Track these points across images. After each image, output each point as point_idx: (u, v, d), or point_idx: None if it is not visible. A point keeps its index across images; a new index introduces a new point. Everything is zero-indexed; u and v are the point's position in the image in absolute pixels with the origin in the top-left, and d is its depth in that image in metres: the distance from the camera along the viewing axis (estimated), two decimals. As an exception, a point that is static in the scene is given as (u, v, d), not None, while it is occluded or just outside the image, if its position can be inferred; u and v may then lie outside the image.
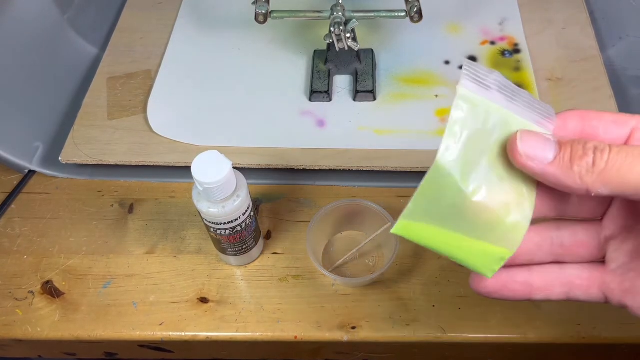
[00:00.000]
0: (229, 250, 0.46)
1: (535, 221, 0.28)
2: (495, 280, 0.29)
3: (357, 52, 0.57)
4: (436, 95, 0.57)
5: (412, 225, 0.28)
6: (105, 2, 0.70)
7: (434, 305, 0.46)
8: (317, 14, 0.54)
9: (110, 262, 0.49)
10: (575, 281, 0.29)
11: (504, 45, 0.61)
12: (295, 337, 0.45)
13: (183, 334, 0.46)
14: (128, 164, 0.53)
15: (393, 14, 0.53)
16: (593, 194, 0.25)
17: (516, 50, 0.60)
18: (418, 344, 0.45)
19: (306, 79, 0.59)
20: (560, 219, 0.30)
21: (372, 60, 0.59)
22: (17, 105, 0.55)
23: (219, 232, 0.43)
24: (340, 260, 0.48)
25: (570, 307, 0.45)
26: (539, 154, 0.25)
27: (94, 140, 0.55)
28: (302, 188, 0.53)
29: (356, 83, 0.57)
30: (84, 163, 0.54)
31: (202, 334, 0.45)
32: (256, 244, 0.47)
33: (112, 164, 0.54)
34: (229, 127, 0.55)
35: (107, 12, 0.69)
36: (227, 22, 0.65)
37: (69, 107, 0.60)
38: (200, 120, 0.56)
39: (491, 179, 0.27)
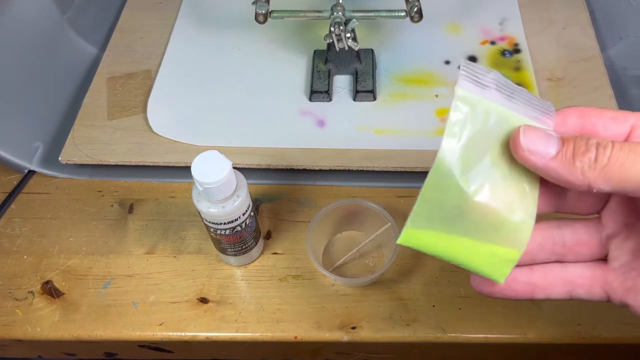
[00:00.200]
0: (229, 250, 0.46)
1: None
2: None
3: (357, 52, 0.57)
4: (436, 95, 0.57)
5: (417, 234, 0.28)
6: (105, 2, 0.70)
7: (434, 305, 0.46)
8: (317, 14, 0.54)
9: (110, 262, 0.49)
10: (577, 280, 0.29)
11: (504, 45, 0.61)
12: (295, 337, 0.45)
13: (183, 334, 0.46)
14: (128, 164, 0.53)
15: (393, 14, 0.53)
16: (594, 190, 0.24)
17: (516, 50, 0.60)
18: (418, 344, 0.45)
19: (306, 79, 0.59)
20: (560, 218, 0.30)
21: (372, 60, 0.59)
22: (17, 105, 0.55)
23: (219, 232, 0.43)
24: (340, 260, 0.48)
25: (570, 307, 0.45)
26: (541, 149, 0.25)
27: (94, 140, 0.55)
28: (302, 188, 0.53)
29: (356, 83, 0.57)
30: (84, 163, 0.54)
31: (202, 334, 0.45)
32: (256, 244, 0.47)
33: (112, 164, 0.54)
34: (229, 127, 0.55)
35: (107, 12, 0.69)
36: (227, 22, 0.65)
37: (69, 107, 0.60)
38: (200, 120, 0.56)
39: (493, 178, 0.27)
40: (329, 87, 0.57)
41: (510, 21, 0.63)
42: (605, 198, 0.29)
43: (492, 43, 0.61)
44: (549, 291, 0.29)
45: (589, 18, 0.63)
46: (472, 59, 0.60)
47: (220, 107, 0.57)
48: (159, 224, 0.52)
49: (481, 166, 0.27)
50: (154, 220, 0.52)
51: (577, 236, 0.29)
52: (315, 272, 0.48)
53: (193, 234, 0.51)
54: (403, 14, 0.52)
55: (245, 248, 0.46)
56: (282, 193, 0.53)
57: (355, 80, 0.58)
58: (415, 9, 0.51)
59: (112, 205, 0.53)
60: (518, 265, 0.29)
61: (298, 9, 0.54)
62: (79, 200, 0.54)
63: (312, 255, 0.45)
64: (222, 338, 0.45)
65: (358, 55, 0.58)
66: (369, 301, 0.46)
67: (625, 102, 0.57)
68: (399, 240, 0.28)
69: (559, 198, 0.29)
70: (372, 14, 0.53)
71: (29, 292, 0.48)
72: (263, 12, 0.52)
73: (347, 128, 0.55)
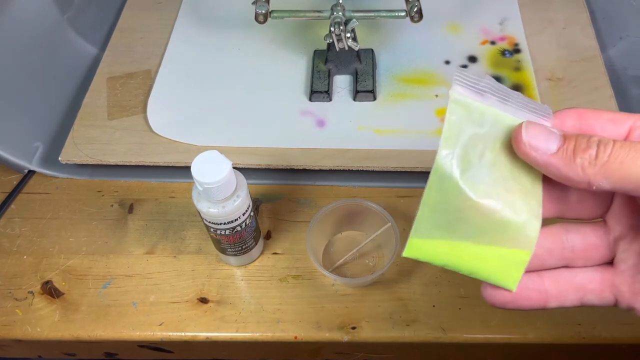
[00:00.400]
0: (229, 250, 0.46)
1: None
2: (510, 292, 0.28)
3: (357, 52, 0.57)
4: (436, 95, 0.57)
5: (422, 244, 0.28)
6: (105, 2, 0.70)
7: (434, 306, 0.46)
8: (317, 14, 0.54)
9: (110, 262, 0.49)
10: (588, 285, 0.28)
11: (504, 45, 0.61)
12: (295, 337, 0.45)
13: (183, 334, 0.46)
14: (128, 164, 0.53)
15: (393, 14, 0.53)
16: (594, 187, 0.24)
17: (516, 50, 0.60)
18: (418, 344, 0.45)
19: (306, 79, 0.59)
20: (567, 223, 0.29)
21: (372, 60, 0.59)
22: (17, 105, 0.55)
23: (218, 232, 0.43)
24: (340, 260, 0.48)
25: (570, 307, 0.45)
26: (543, 145, 0.25)
27: (94, 140, 0.55)
28: (302, 188, 0.53)
29: (356, 83, 0.57)
30: (84, 163, 0.54)
31: (202, 334, 0.45)
32: (256, 244, 0.47)
33: (112, 164, 0.54)
34: (229, 127, 0.55)
35: (107, 12, 0.69)
36: (227, 22, 0.65)
37: (68, 107, 0.60)
38: (200, 120, 0.56)
39: (494, 179, 0.27)
40: (329, 87, 0.57)
41: (510, 21, 0.63)
42: (607, 201, 0.29)
43: (492, 43, 0.61)
44: (561, 299, 0.28)
45: (589, 18, 0.63)
46: (472, 59, 0.60)
47: (220, 107, 0.57)
48: (159, 224, 0.52)
49: (481, 168, 0.27)
50: (154, 220, 0.52)
51: (587, 240, 0.29)
52: (315, 272, 0.48)
53: (193, 234, 0.51)
54: (403, 14, 0.52)
55: (245, 248, 0.46)
56: (282, 193, 0.53)
57: (355, 80, 0.58)
58: (415, 9, 0.51)
59: (112, 205, 0.53)
60: (528, 272, 0.28)
61: (298, 9, 0.54)
62: (79, 200, 0.54)
63: (312, 255, 0.45)
64: (222, 338, 0.45)
65: (358, 55, 0.58)
66: (369, 301, 0.46)
67: (625, 102, 0.57)
68: (405, 253, 0.28)
69: (561, 202, 0.29)
70: (372, 14, 0.53)
71: (29, 292, 0.48)
72: (263, 12, 0.52)
73: (347, 128, 0.55)
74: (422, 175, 0.28)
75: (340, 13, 0.52)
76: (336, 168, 0.52)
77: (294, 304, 0.46)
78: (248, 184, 0.43)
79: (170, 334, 0.46)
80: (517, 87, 0.57)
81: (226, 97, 0.58)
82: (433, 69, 0.59)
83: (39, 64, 0.59)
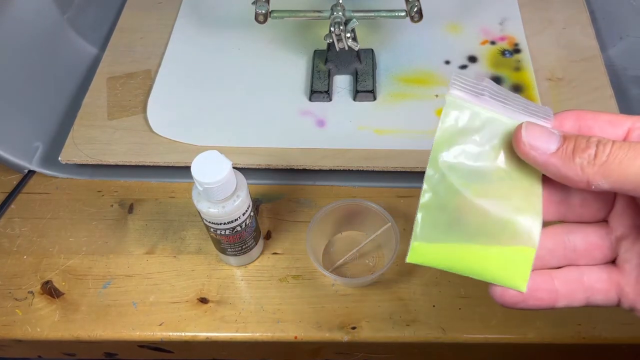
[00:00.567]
0: (229, 250, 0.46)
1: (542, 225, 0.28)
2: (520, 291, 0.28)
3: (357, 52, 0.57)
4: (436, 95, 0.57)
5: (425, 249, 0.27)
6: (105, 2, 0.70)
7: (434, 306, 0.46)
8: (317, 14, 0.54)
9: (110, 262, 0.49)
10: (596, 285, 0.28)
11: (504, 45, 0.61)
12: (295, 337, 0.45)
13: (183, 334, 0.46)
14: (128, 164, 0.53)
15: (393, 14, 0.53)
16: (593, 187, 0.25)
17: (516, 50, 0.60)
18: (418, 344, 0.45)
19: (306, 79, 0.59)
20: (569, 223, 0.29)
21: (372, 60, 0.59)
22: (17, 105, 0.55)
23: (218, 232, 0.43)
24: (340, 260, 0.48)
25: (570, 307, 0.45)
26: (542, 145, 0.26)
27: (94, 140, 0.55)
28: (302, 188, 0.53)
29: (356, 83, 0.57)
30: (84, 163, 0.54)
31: (202, 334, 0.45)
32: (256, 244, 0.47)
33: (112, 164, 0.54)
34: (229, 127, 0.55)
35: (107, 12, 0.69)
36: (227, 22, 0.65)
37: (68, 107, 0.60)
38: (200, 120, 0.56)
39: (491, 179, 0.27)
40: (329, 87, 0.57)
41: (510, 21, 0.63)
42: (609, 204, 0.29)
43: (492, 43, 0.61)
44: (570, 299, 0.28)
45: (589, 18, 0.63)
46: (472, 59, 0.60)
47: (220, 107, 0.57)
48: (159, 224, 0.52)
49: (477, 169, 0.27)
50: (153, 220, 0.52)
51: (588, 239, 0.29)
52: (315, 272, 0.48)
53: (193, 234, 0.51)
54: (403, 14, 0.52)
55: (245, 248, 0.46)
56: (282, 193, 0.53)
57: (355, 80, 0.58)
58: (415, 9, 0.51)
59: (112, 205, 0.53)
60: (536, 270, 0.28)
61: (298, 9, 0.54)
62: (79, 200, 0.54)
63: (312, 255, 0.45)
64: (222, 338, 0.45)
65: (358, 55, 0.58)
66: (369, 301, 0.46)
67: (625, 102, 0.57)
68: (409, 259, 0.27)
69: (563, 205, 0.29)
70: (372, 14, 0.53)
71: (29, 292, 0.48)
72: (263, 12, 0.52)
73: (347, 128, 0.55)
74: (422, 175, 0.28)
75: (340, 13, 0.52)
76: (336, 168, 0.52)
77: (294, 304, 0.46)
78: (248, 184, 0.43)
79: (170, 334, 0.46)
80: (517, 87, 0.57)
81: (226, 97, 0.58)
82: (433, 69, 0.59)
83: (39, 64, 0.59)
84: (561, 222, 0.29)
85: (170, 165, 0.53)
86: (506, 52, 0.60)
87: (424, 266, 0.28)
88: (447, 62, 0.60)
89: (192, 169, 0.39)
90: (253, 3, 0.52)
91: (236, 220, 0.42)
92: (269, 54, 0.62)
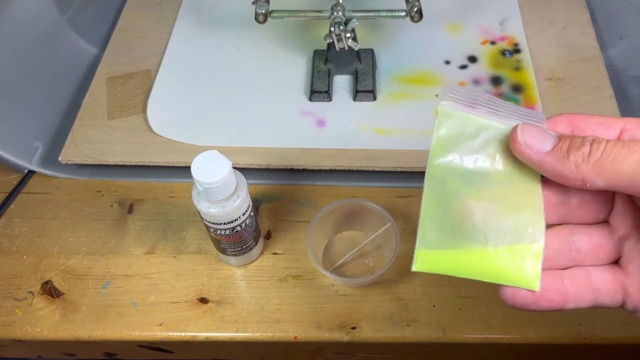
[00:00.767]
0: (228, 250, 0.46)
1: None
2: (531, 291, 0.27)
3: (357, 52, 0.57)
4: (436, 95, 0.57)
5: (430, 256, 0.27)
6: (105, 2, 0.70)
7: (434, 306, 0.46)
8: (317, 14, 0.54)
9: (110, 262, 0.49)
10: (603, 286, 0.28)
11: (504, 45, 0.61)
12: (295, 338, 0.45)
13: (183, 334, 0.45)
14: (128, 163, 0.53)
15: (393, 14, 0.53)
16: (588, 185, 0.25)
17: (516, 50, 0.60)
18: (418, 344, 0.45)
19: (306, 79, 0.59)
20: (573, 224, 0.29)
21: (372, 60, 0.59)
22: (17, 105, 0.55)
23: (218, 232, 0.43)
24: (340, 260, 0.48)
25: (570, 307, 0.45)
26: (538, 144, 0.26)
27: (94, 140, 0.55)
28: (302, 188, 0.53)
29: (356, 83, 0.57)
30: (84, 163, 0.54)
31: (202, 334, 0.45)
32: (256, 244, 0.47)
33: (112, 164, 0.54)
34: (229, 127, 0.55)
35: (107, 12, 0.69)
36: (227, 22, 0.65)
37: (68, 107, 0.60)
38: (200, 120, 0.56)
39: (490, 182, 0.28)
40: (329, 87, 0.57)
41: (510, 21, 0.63)
42: (609, 203, 0.29)
43: (492, 43, 0.61)
44: (579, 300, 0.28)
45: (589, 18, 0.63)
46: (472, 59, 0.60)
47: (220, 107, 0.57)
48: (158, 224, 0.52)
49: (476, 173, 0.28)
50: (153, 220, 0.52)
51: (592, 240, 0.29)
52: (315, 272, 0.48)
53: (193, 234, 0.51)
54: (403, 14, 0.52)
55: (245, 248, 0.46)
56: (282, 193, 0.53)
57: (355, 80, 0.58)
58: (415, 9, 0.51)
59: (111, 205, 0.53)
60: (546, 270, 0.28)
61: (298, 9, 0.54)
62: (79, 200, 0.54)
63: (312, 255, 0.45)
64: (222, 338, 0.45)
65: (358, 55, 0.58)
66: (369, 301, 0.46)
67: (625, 102, 0.57)
68: (415, 268, 0.27)
69: (562, 206, 0.29)
70: (372, 14, 0.53)
71: (28, 292, 0.48)
72: (263, 12, 0.52)
73: (347, 128, 0.55)
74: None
75: (340, 13, 0.52)
76: (336, 168, 0.52)
77: (294, 304, 0.46)
78: (248, 184, 0.43)
79: (170, 334, 0.46)
80: (517, 87, 0.57)
81: (226, 97, 0.58)
82: (433, 69, 0.59)
83: (39, 64, 0.59)
84: (563, 224, 0.29)
85: (170, 165, 0.53)
86: (506, 52, 0.60)
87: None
88: (447, 62, 0.60)
89: (192, 169, 0.39)
90: (253, 3, 0.52)
91: (236, 220, 0.42)
92: (269, 54, 0.62)
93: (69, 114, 0.59)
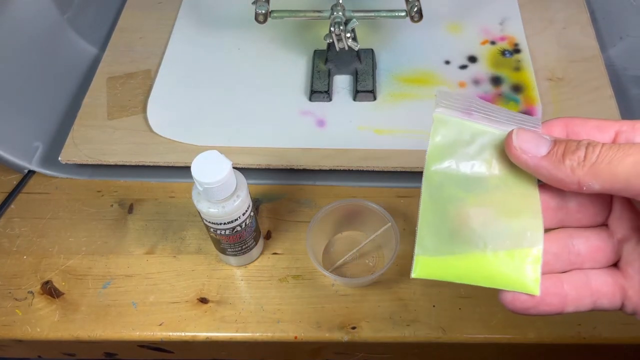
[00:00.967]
0: (228, 250, 0.46)
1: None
2: (531, 296, 0.27)
3: (357, 52, 0.57)
4: (436, 95, 0.57)
5: (429, 262, 0.27)
6: (105, 2, 0.70)
7: (434, 306, 0.46)
8: (317, 14, 0.54)
9: (110, 262, 0.49)
10: (602, 288, 0.28)
11: (504, 45, 0.61)
12: (295, 338, 0.45)
13: (183, 334, 0.45)
14: (128, 163, 0.53)
15: (393, 14, 0.53)
16: (584, 188, 0.25)
17: (516, 50, 0.60)
18: (418, 344, 0.45)
19: (306, 79, 0.59)
20: (571, 228, 0.29)
21: (372, 60, 0.59)
22: (17, 105, 0.55)
23: (218, 232, 0.43)
24: (340, 260, 0.48)
25: (570, 307, 0.45)
26: (533, 148, 0.26)
27: (94, 140, 0.55)
28: (302, 188, 0.53)
29: (356, 83, 0.57)
30: (84, 163, 0.54)
31: (202, 334, 0.45)
32: (256, 244, 0.47)
33: (112, 164, 0.54)
34: (229, 127, 0.55)
35: (107, 12, 0.69)
36: (227, 22, 0.65)
37: (68, 107, 0.60)
38: (200, 120, 0.56)
39: (487, 187, 0.28)
40: (329, 87, 0.57)
41: (510, 21, 0.63)
42: (607, 207, 0.29)
43: (492, 43, 0.61)
44: (578, 303, 0.28)
45: (589, 18, 0.63)
46: (472, 59, 0.60)
47: (220, 107, 0.57)
48: (158, 224, 0.52)
49: (473, 179, 0.28)
50: (153, 220, 0.52)
51: (591, 242, 0.29)
52: (315, 272, 0.48)
53: (193, 234, 0.51)
54: (403, 14, 0.52)
55: (245, 248, 0.46)
56: (282, 193, 0.53)
57: (355, 80, 0.58)
58: (415, 9, 0.51)
59: (111, 205, 0.53)
60: (543, 274, 0.28)
61: (298, 9, 0.54)
62: (79, 200, 0.54)
63: (312, 255, 0.45)
64: (222, 338, 0.45)
65: (358, 55, 0.58)
66: (369, 301, 0.46)
67: (625, 102, 0.57)
68: (414, 274, 0.27)
69: (560, 211, 0.29)
70: (372, 14, 0.53)
71: (28, 292, 0.48)
72: (263, 12, 0.52)
73: (347, 128, 0.55)
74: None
75: (340, 13, 0.52)
76: (336, 168, 0.52)
77: (294, 304, 0.46)
78: (248, 184, 0.43)
79: (170, 334, 0.46)
80: (517, 87, 0.57)
81: (226, 97, 0.58)
82: (433, 69, 0.59)
83: (39, 64, 0.59)
84: (561, 227, 0.29)
85: (170, 165, 0.53)
86: (506, 52, 0.60)
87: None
88: (447, 62, 0.60)
89: (192, 169, 0.39)
90: (253, 3, 0.52)
91: (236, 220, 0.42)
92: (269, 54, 0.62)
93: (69, 114, 0.59)
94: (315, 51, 0.61)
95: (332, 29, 0.52)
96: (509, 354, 0.47)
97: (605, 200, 0.29)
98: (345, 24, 0.52)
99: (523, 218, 0.27)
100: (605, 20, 0.64)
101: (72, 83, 0.62)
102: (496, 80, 0.58)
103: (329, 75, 0.58)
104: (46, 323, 0.46)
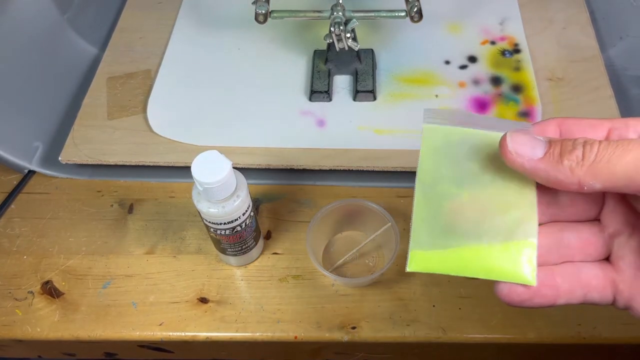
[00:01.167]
0: (228, 250, 0.46)
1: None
2: (527, 288, 0.27)
3: (357, 52, 0.57)
4: (436, 95, 0.57)
5: (425, 256, 0.27)
6: (105, 2, 0.70)
7: (434, 306, 0.46)
8: (317, 14, 0.54)
9: (110, 262, 0.49)
10: (592, 281, 0.28)
11: (504, 45, 0.61)
12: (295, 337, 0.45)
13: (183, 334, 0.45)
14: (128, 163, 0.53)
15: (393, 14, 0.53)
16: (585, 188, 0.25)
17: (516, 50, 0.60)
18: (418, 344, 0.45)
19: (306, 79, 0.59)
20: (562, 222, 0.29)
21: (372, 60, 0.59)
22: (17, 105, 0.55)
23: (218, 232, 0.43)
24: (340, 260, 0.48)
25: (570, 307, 0.45)
26: (529, 151, 0.26)
27: (94, 140, 0.55)
28: (302, 188, 0.53)
29: (356, 83, 0.57)
30: (84, 163, 0.54)
31: (202, 334, 0.45)
32: (256, 244, 0.47)
33: (112, 164, 0.54)
34: (229, 127, 0.55)
35: (107, 12, 0.69)
36: (227, 22, 0.65)
37: (68, 107, 0.60)
38: (200, 120, 0.56)
39: (481, 181, 0.28)
40: (329, 87, 0.57)
41: (510, 21, 0.63)
42: (599, 201, 0.29)
43: (492, 43, 0.61)
44: (569, 296, 0.28)
45: (589, 18, 0.63)
46: (472, 59, 0.60)
47: (220, 107, 0.57)
48: (158, 224, 0.52)
49: (466, 175, 0.28)
50: (153, 220, 0.52)
51: (582, 236, 0.29)
52: (315, 272, 0.48)
53: (193, 234, 0.51)
54: (403, 14, 0.52)
55: (245, 248, 0.46)
56: (282, 193, 0.53)
57: (355, 80, 0.58)
58: (415, 9, 0.51)
59: (111, 205, 0.53)
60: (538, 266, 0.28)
61: (298, 9, 0.54)
62: (79, 200, 0.54)
63: (312, 255, 0.45)
64: (222, 338, 0.45)
65: (358, 55, 0.58)
66: (369, 301, 0.46)
67: (625, 102, 0.57)
68: (409, 268, 0.27)
69: (552, 206, 0.29)
70: (372, 14, 0.53)
71: (28, 292, 0.48)
72: (263, 12, 0.52)
73: (347, 128, 0.55)
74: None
75: (340, 13, 0.52)
76: (336, 168, 0.52)
77: (294, 304, 0.46)
78: (248, 184, 0.43)
79: (170, 334, 0.46)
80: (517, 87, 0.57)
81: (226, 97, 0.58)
82: (433, 69, 0.59)
83: (39, 64, 0.59)
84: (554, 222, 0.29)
85: (170, 165, 0.53)
86: (506, 52, 0.60)
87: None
88: (447, 62, 0.60)
89: (192, 169, 0.39)
90: (253, 3, 0.52)
91: (236, 220, 0.42)
92: (269, 54, 0.62)
93: (69, 114, 0.59)
94: (315, 51, 0.61)
95: (332, 29, 0.52)
96: (509, 354, 0.47)
97: (598, 195, 0.29)
98: (345, 24, 0.52)
99: (518, 210, 0.27)
100: (605, 20, 0.64)
101: (72, 83, 0.62)
102: (496, 80, 0.58)
103: (329, 75, 0.58)
104: (46, 323, 0.46)
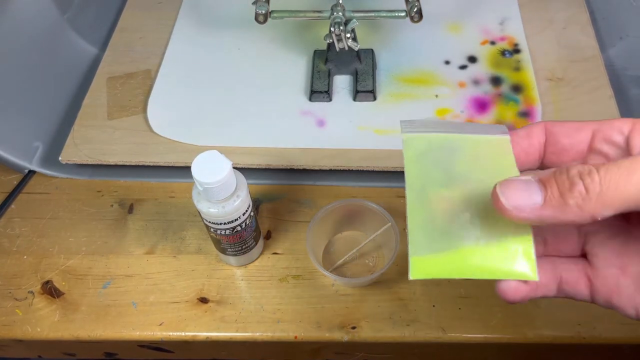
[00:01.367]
0: (228, 250, 0.46)
1: None
2: (527, 284, 0.27)
3: (357, 52, 0.57)
4: (436, 95, 0.57)
5: (424, 261, 0.27)
6: (105, 2, 0.70)
7: (434, 305, 0.46)
8: (317, 14, 0.54)
9: (110, 262, 0.49)
10: (564, 275, 0.28)
11: (504, 45, 0.61)
12: (295, 337, 0.45)
13: (183, 334, 0.46)
14: (128, 163, 0.53)
15: (393, 14, 0.53)
16: (599, 218, 0.24)
17: (516, 50, 0.60)
18: (418, 344, 0.45)
19: (306, 79, 0.59)
20: None
21: (372, 60, 0.59)
22: (17, 105, 0.55)
23: (218, 232, 0.43)
24: (340, 260, 0.48)
25: (570, 307, 0.45)
26: (527, 202, 0.24)
27: (94, 140, 0.55)
28: (302, 188, 0.53)
29: (356, 83, 0.57)
30: (84, 163, 0.54)
31: (202, 334, 0.45)
32: (256, 244, 0.47)
33: (112, 164, 0.54)
34: (229, 127, 0.55)
35: (107, 12, 0.69)
36: (227, 22, 0.65)
37: (68, 107, 0.60)
38: (200, 120, 0.56)
39: (470, 179, 0.29)
40: (329, 87, 0.57)
41: (510, 21, 0.63)
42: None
43: (492, 43, 0.61)
44: (546, 289, 0.29)
45: (589, 18, 0.63)
46: (472, 59, 0.60)
47: (220, 107, 0.57)
48: (158, 224, 0.52)
49: (455, 175, 0.29)
50: (153, 220, 0.52)
51: (557, 232, 0.29)
52: (315, 272, 0.48)
53: (193, 234, 0.51)
54: (403, 14, 0.52)
55: (245, 248, 0.46)
56: (282, 193, 0.53)
57: (355, 80, 0.58)
58: (415, 9, 0.51)
59: (112, 205, 0.53)
60: None
61: (298, 9, 0.54)
62: (79, 200, 0.54)
63: (312, 255, 0.45)
64: (222, 338, 0.45)
65: (358, 55, 0.58)
66: (369, 301, 0.46)
67: (625, 102, 0.57)
68: (412, 276, 0.27)
69: None
70: (372, 14, 0.53)
71: (29, 292, 0.48)
72: (263, 12, 0.52)
73: (347, 128, 0.55)
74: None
75: (340, 13, 0.52)
76: (336, 168, 0.52)
77: (294, 304, 0.46)
78: (248, 184, 0.43)
79: (170, 334, 0.46)
80: (517, 87, 0.57)
81: (226, 97, 0.58)
82: (433, 69, 0.59)
83: (39, 64, 0.59)
84: None
85: (170, 165, 0.53)
86: (506, 52, 0.60)
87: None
88: (447, 62, 0.60)
89: (192, 169, 0.39)
90: (253, 3, 0.52)
91: (236, 220, 0.42)
92: (269, 54, 0.62)
93: (69, 114, 0.59)
94: (315, 51, 0.61)
95: (332, 29, 0.52)
96: (509, 354, 0.47)
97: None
98: (345, 24, 0.52)
99: None
100: (605, 20, 0.64)
101: (72, 83, 0.62)
102: (496, 81, 0.58)
103: (329, 75, 0.58)
104: (46, 323, 0.46)
